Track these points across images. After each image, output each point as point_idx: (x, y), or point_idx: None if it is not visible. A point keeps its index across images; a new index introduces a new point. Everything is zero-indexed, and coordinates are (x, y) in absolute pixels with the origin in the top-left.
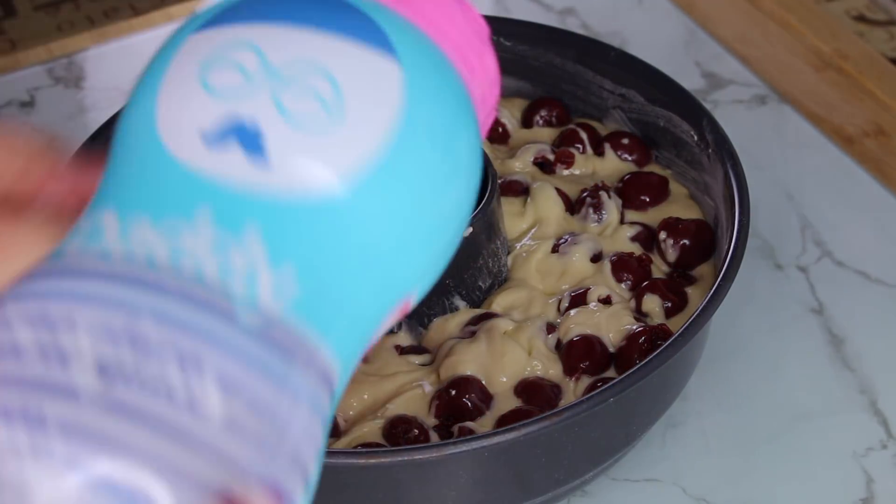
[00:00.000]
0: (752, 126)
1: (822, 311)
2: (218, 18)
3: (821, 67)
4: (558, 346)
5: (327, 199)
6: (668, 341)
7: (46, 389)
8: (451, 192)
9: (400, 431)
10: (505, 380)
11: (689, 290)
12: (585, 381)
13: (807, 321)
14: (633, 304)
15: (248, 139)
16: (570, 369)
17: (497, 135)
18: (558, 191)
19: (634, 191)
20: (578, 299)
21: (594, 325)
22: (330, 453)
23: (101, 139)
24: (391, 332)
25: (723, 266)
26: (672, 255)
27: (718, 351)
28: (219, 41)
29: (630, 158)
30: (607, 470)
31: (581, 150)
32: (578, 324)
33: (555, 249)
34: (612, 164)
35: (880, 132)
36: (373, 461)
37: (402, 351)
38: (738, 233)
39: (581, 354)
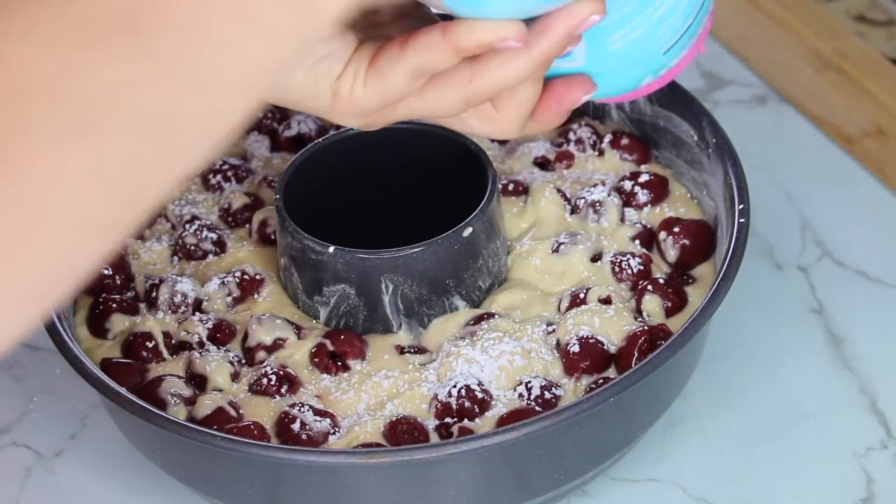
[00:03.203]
0: (752, 126)
1: (822, 311)
2: None
3: (821, 67)
4: (558, 346)
5: None
6: (668, 341)
7: None
8: None
9: (400, 431)
10: (505, 380)
11: (689, 290)
12: (585, 381)
13: (807, 321)
14: (633, 304)
15: None
16: (570, 369)
17: None
18: (558, 191)
19: (634, 191)
20: (578, 299)
21: (594, 325)
22: (330, 453)
23: None
24: (391, 332)
25: (723, 266)
26: (672, 255)
27: (718, 351)
28: None
29: (630, 158)
30: (607, 470)
31: (581, 150)
32: (578, 324)
33: (555, 249)
34: (612, 164)
35: (880, 132)
36: (373, 461)
37: (402, 351)
38: (738, 233)
39: (581, 354)
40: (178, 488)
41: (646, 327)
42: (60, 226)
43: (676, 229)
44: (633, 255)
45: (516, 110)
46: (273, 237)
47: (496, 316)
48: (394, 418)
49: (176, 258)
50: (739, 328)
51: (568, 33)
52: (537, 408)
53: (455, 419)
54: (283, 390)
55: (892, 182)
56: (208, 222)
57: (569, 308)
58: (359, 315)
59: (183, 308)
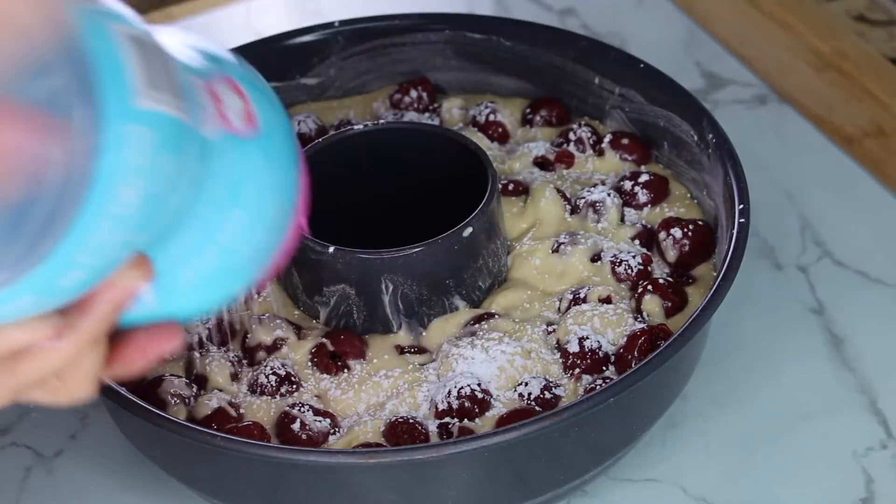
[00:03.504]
0: (752, 126)
1: (822, 311)
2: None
3: (821, 67)
4: (558, 346)
5: None
6: (668, 341)
7: None
8: None
9: (400, 431)
10: (505, 380)
11: (689, 290)
12: (585, 381)
13: (807, 321)
14: (633, 304)
15: None
16: (569, 369)
17: (497, 135)
18: (558, 191)
19: (634, 191)
20: (578, 299)
21: (594, 325)
22: (330, 453)
23: None
24: (391, 332)
25: (723, 266)
26: (672, 255)
27: (718, 351)
28: None
29: (630, 158)
30: (607, 470)
31: (581, 150)
32: (578, 324)
33: (555, 249)
34: (612, 164)
35: (880, 132)
36: (373, 461)
37: (402, 351)
38: (738, 233)
39: (581, 354)
40: (178, 488)
41: (646, 327)
42: None
43: (676, 229)
44: (633, 255)
45: (82, 377)
46: None
47: (496, 316)
48: (394, 418)
49: None
50: (739, 328)
51: (114, 308)
52: (537, 408)
53: (455, 419)
54: (283, 390)
55: (892, 182)
56: None
57: (569, 308)
58: (359, 315)
59: None
